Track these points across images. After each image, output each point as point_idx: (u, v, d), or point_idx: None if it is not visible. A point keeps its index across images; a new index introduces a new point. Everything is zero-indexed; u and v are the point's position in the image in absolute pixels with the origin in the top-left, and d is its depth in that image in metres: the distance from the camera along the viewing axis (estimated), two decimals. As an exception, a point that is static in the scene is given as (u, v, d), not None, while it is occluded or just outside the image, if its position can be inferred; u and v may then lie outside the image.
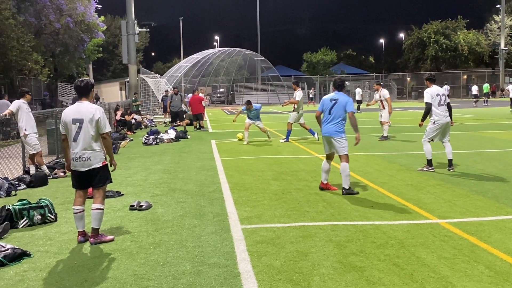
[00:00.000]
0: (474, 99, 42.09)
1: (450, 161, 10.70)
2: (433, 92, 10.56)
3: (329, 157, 9.06)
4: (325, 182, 8.97)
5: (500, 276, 4.81)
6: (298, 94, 16.61)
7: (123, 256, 5.66)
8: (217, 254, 5.59)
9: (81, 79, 6.55)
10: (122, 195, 8.90)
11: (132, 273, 5.13)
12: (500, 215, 7.01)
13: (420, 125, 11.20)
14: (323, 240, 6.01)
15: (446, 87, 45.97)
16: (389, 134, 17.05)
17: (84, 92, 6.33)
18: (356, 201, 8.01)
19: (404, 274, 4.90)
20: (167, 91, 31.88)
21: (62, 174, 11.13)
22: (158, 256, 5.61)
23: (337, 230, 6.40)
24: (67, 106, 7.09)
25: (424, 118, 10.87)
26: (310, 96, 53.89)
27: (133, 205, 7.87)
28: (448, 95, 10.19)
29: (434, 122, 10.58)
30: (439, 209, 7.34)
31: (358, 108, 35.51)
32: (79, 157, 6.17)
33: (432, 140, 10.76)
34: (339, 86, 8.93)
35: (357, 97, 37.13)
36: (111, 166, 6.49)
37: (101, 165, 6.25)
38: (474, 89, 42.74)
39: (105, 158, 6.36)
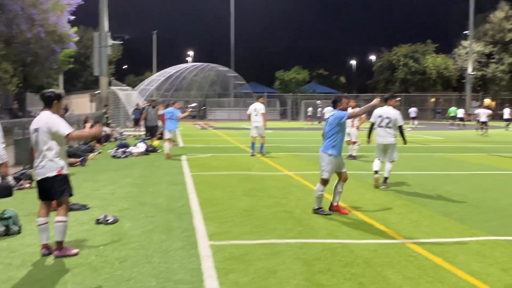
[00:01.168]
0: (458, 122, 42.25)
1: (385, 178, 11.11)
2: (376, 114, 11.18)
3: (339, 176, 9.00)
4: (335, 204, 8.72)
5: (464, 296, 4.88)
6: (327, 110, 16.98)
7: (88, 271, 5.57)
8: (184, 271, 5.55)
9: (48, 90, 6.52)
10: (89, 208, 8.76)
11: None
12: (465, 236, 7.13)
13: (367, 142, 11.82)
14: (291, 257, 6.02)
15: (414, 109, 46.81)
16: (359, 153, 17.21)
17: (47, 103, 6.30)
18: (325, 219, 8.05)
19: (370, 293, 4.93)
20: (138, 104, 31.65)
21: (28, 185, 10.92)
22: (123, 271, 5.54)
23: (305, 248, 6.42)
24: (36, 117, 7.06)
25: (368, 135, 11.74)
26: (309, 114, 53.94)
27: (100, 219, 7.76)
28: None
29: (357, 128, 13.04)
30: (406, 229, 7.43)
31: None
32: (36, 166, 6.20)
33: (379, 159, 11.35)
34: (334, 103, 9.07)
35: (327, 116, 37.56)
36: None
37: (55, 174, 6.11)
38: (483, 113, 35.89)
39: (61, 168, 6.19)
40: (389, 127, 10.89)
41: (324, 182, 8.64)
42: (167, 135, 17.63)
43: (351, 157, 16.80)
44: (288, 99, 66.62)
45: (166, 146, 17.25)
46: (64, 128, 6.11)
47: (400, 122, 11.04)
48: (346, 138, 16.69)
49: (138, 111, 29.28)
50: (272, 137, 29.42)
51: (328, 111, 16.81)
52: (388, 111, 10.98)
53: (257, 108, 17.84)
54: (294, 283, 5.17)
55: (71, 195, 6.38)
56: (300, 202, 9.42)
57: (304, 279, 5.29)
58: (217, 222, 7.77)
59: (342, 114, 8.56)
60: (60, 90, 6.36)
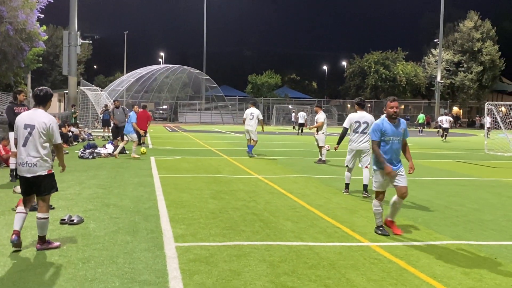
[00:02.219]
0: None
1: (364, 186, 10.86)
2: (353, 119, 10.90)
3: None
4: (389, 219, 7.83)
5: (425, 299, 4.95)
6: (321, 116, 16.90)
7: (50, 271, 5.47)
8: (148, 271, 5.49)
9: (40, 88, 6.66)
10: (53, 208, 8.61)
11: (58, 288, 4.96)
12: (428, 240, 7.23)
13: (335, 149, 11.56)
14: (256, 259, 6.02)
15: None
16: (327, 158, 17.34)
17: (41, 101, 6.47)
18: (292, 222, 8.08)
19: (333, 295, 4.96)
20: (106, 105, 31.32)
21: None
22: (86, 271, 5.46)
23: (271, 250, 6.43)
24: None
25: (339, 141, 11.33)
26: (301, 121, 53.77)
27: (64, 219, 7.64)
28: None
29: (323, 133, 12.23)
30: (371, 232, 7.50)
31: (302, 131, 36.79)
32: (25, 163, 6.26)
33: (351, 166, 11.12)
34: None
35: (301, 120, 37.96)
36: (61, 168, 6.80)
37: (46, 173, 6.33)
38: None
39: (52, 167, 6.45)
40: (365, 133, 10.66)
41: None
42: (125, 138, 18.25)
43: (321, 161, 16.91)
44: (260, 103, 66.78)
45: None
46: (59, 137, 6.44)
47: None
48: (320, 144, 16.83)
49: (107, 112, 28.96)
50: (242, 141, 29.44)
51: (302, 116, 16.88)
52: (364, 116, 10.77)
53: (253, 112, 17.81)
54: (259, 285, 5.17)
55: (56, 190, 6.63)
56: (268, 205, 9.43)
57: (269, 281, 5.29)
58: (184, 224, 7.72)
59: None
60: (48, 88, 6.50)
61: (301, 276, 5.47)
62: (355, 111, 11.13)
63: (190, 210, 8.81)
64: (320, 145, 16.95)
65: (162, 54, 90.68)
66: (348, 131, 11.13)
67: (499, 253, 6.64)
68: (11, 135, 11.64)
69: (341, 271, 5.67)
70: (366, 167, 10.82)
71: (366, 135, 10.55)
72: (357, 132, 10.68)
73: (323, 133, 16.80)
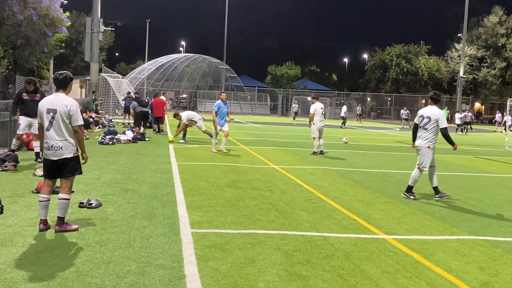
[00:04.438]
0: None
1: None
2: (418, 113, 10.61)
3: None
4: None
5: (439, 292, 4.94)
6: (311, 108, 16.86)
7: (68, 252, 5.57)
8: (164, 256, 5.56)
9: (60, 71, 6.75)
10: (73, 192, 8.70)
11: (75, 269, 5.05)
12: (445, 235, 7.20)
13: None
14: (271, 248, 6.05)
15: (405, 111, 47.02)
16: (325, 149, 17.15)
17: (61, 85, 6.57)
18: (308, 212, 8.09)
19: (347, 286, 4.98)
20: (129, 92, 31.53)
21: (13, 167, 10.86)
22: (103, 254, 5.54)
23: (286, 239, 6.45)
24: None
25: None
26: (358, 112, 54.09)
27: (83, 203, 7.75)
28: (406, 119, 10.51)
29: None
30: (387, 225, 7.49)
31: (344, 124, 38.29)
32: (51, 146, 6.39)
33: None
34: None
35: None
36: (82, 159, 6.71)
37: (72, 155, 6.46)
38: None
39: (77, 150, 6.56)
40: (426, 128, 9.81)
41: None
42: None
43: (313, 152, 16.75)
44: (278, 94, 66.67)
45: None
46: (80, 119, 6.51)
47: (443, 123, 9.71)
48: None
49: (129, 99, 29.18)
50: (260, 131, 29.50)
51: (313, 108, 16.67)
52: (427, 111, 9.97)
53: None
54: (272, 273, 5.20)
55: (81, 173, 6.75)
56: (284, 195, 9.46)
57: (283, 269, 5.32)
58: (200, 211, 7.78)
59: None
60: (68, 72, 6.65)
61: (315, 266, 5.49)
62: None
63: (207, 197, 8.87)
64: (312, 136, 16.85)
65: (183, 43, 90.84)
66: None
67: (516, 249, 6.59)
68: (22, 119, 11.98)
69: (356, 262, 5.68)
70: (418, 167, 9.94)
71: (426, 130, 9.78)
72: (420, 127, 10.07)
73: (314, 124, 16.66)
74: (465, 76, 64.96)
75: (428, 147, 9.75)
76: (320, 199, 9.30)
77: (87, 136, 19.05)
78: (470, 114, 36.70)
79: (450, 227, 7.63)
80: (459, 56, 67.44)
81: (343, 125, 38.31)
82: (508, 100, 26.76)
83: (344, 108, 41.44)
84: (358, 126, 43.08)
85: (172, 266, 5.26)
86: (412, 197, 9.77)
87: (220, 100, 16.46)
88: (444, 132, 9.69)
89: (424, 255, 6.12)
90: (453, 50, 71.91)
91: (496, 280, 5.36)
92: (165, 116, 25.61)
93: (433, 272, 5.51)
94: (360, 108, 56.35)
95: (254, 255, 5.73)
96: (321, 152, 16.72)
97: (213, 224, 7.05)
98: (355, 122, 50.88)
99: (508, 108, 26.72)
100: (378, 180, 11.92)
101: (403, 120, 46.37)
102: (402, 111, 48.90)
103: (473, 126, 42.39)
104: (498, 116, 39.02)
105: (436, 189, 9.93)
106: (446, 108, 46.87)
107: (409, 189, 9.94)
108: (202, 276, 5.02)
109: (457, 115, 39.14)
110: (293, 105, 52.27)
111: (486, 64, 69.39)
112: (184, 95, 69.12)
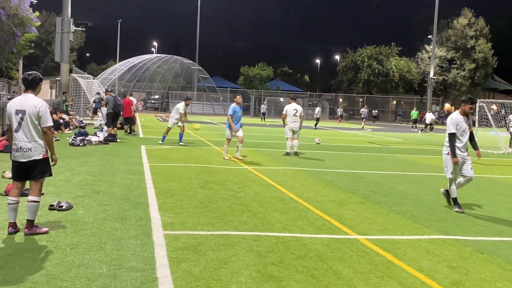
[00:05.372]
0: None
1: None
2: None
3: None
4: None
5: (411, 291, 4.99)
6: (284, 108, 16.94)
7: (37, 256, 5.46)
8: (136, 258, 5.50)
9: (29, 72, 6.64)
10: (43, 194, 8.55)
11: (46, 273, 4.96)
12: (416, 234, 7.28)
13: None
14: (244, 249, 6.03)
15: (369, 110, 47.71)
16: (299, 150, 17.25)
17: (30, 85, 6.47)
18: (280, 213, 8.10)
19: (320, 286, 4.99)
20: (99, 93, 31.19)
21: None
22: (74, 257, 5.45)
23: (259, 240, 6.44)
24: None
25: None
26: (262, 111, 53.85)
27: (53, 205, 7.62)
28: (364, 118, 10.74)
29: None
30: (359, 226, 7.54)
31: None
32: (20, 148, 6.28)
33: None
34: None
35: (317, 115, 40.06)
36: (52, 161, 6.57)
37: (41, 157, 6.34)
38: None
39: (46, 151, 6.43)
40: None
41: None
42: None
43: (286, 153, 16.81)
44: (251, 95, 66.72)
45: None
46: (49, 120, 6.39)
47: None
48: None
49: (99, 100, 28.89)
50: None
51: (285, 109, 16.72)
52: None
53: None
54: (245, 274, 5.19)
55: (50, 175, 6.61)
56: (257, 196, 9.45)
57: (256, 271, 5.31)
58: (173, 213, 7.73)
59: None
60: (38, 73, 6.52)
61: (288, 267, 5.49)
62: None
63: (179, 199, 8.81)
64: (286, 136, 16.90)
65: (155, 43, 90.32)
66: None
67: (485, 248, 6.70)
68: None
69: (328, 263, 5.70)
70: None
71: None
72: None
73: (286, 124, 16.72)
74: (435, 77, 65.91)
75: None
76: (293, 199, 9.32)
77: (57, 138, 18.76)
78: (431, 114, 37.78)
79: (421, 227, 7.72)
80: (429, 57, 68.42)
81: (315, 126, 38.52)
82: (478, 101, 27.24)
83: (318, 109, 41.78)
84: (332, 127, 43.37)
85: (144, 268, 5.21)
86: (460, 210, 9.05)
87: (235, 103, 15.47)
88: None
89: (396, 254, 6.18)
90: (424, 51, 72.92)
91: (466, 279, 5.44)
92: (135, 116, 25.42)
93: (404, 272, 5.56)
94: (341, 109, 56.82)
95: (227, 257, 5.71)
96: (295, 153, 16.75)
97: (185, 226, 7.00)
98: (335, 123, 51.21)
99: (477, 109, 27.19)
100: (350, 180, 12.01)
101: (362, 119, 46.75)
102: (362, 109, 49.33)
103: (438, 127, 43.32)
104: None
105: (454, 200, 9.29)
106: (415, 109, 47.47)
107: (455, 201, 9.22)
108: (175, 278, 4.97)
109: (428, 115, 40.14)
110: (262, 106, 52.77)
111: (456, 66, 70.59)
112: (156, 96, 68.67)
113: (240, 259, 5.64)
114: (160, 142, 19.03)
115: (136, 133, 23.58)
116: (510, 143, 22.92)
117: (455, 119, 9.14)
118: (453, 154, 9.07)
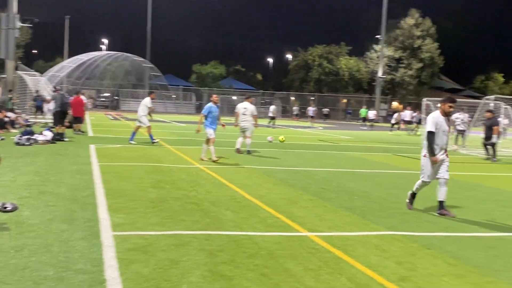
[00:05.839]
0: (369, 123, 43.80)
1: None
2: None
3: None
4: None
5: None
6: (236, 107, 17.08)
7: (-21, 260, 5.27)
8: (84, 260, 5.38)
9: None
10: (-14, 195, 8.31)
11: (-12, 277, 4.79)
12: (365, 230, 7.40)
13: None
14: (195, 248, 5.99)
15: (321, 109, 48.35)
16: (252, 148, 17.32)
17: None
18: (232, 212, 8.09)
19: (270, 284, 5.01)
20: (37, 91, 30.69)
21: None
22: (19, 260, 5.29)
23: (210, 240, 6.41)
24: None
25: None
26: (295, 113, 53.30)
27: (-3, 207, 7.38)
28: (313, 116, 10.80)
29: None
30: (310, 223, 7.61)
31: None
32: None
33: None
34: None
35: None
36: None
37: None
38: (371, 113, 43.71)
39: None
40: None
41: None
42: None
43: (242, 151, 16.82)
44: (204, 93, 66.42)
45: None
46: None
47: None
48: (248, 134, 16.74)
49: (40, 98, 28.47)
50: (185, 131, 29.30)
51: (242, 107, 16.73)
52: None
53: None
54: (196, 274, 5.15)
55: None
56: (209, 195, 9.42)
57: (207, 270, 5.28)
58: (123, 213, 7.60)
59: None
60: None
61: (239, 265, 5.49)
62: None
63: (130, 199, 8.68)
64: (248, 135, 16.91)
65: (105, 40, 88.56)
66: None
67: (432, 243, 6.87)
68: None
69: (279, 261, 5.73)
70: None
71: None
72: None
73: (238, 123, 16.75)
74: (383, 77, 67.34)
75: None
76: (245, 198, 9.33)
77: (3, 137, 18.20)
78: (416, 114, 38.37)
79: (370, 223, 7.86)
80: (378, 57, 69.74)
81: (271, 124, 38.48)
82: (424, 99, 27.95)
83: (273, 107, 41.72)
84: (287, 125, 43.65)
85: (92, 270, 5.10)
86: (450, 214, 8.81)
87: (211, 102, 14.85)
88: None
89: (345, 251, 6.26)
90: (372, 51, 74.23)
91: (414, 274, 5.56)
92: (84, 115, 24.94)
93: (353, 268, 5.64)
94: (298, 108, 57.12)
95: (178, 257, 5.65)
96: (248, 152, 16.75)
97: (135, 226, 6.90)
98: (292, 122, 51.50)
99: (424, 107, 27.90)
100: (302, 178, 12.11)
101: (310, 118, 47.31)
102: (310, 108, 49.87)
103: (386, 124, 44.26)
104: (402, 114, 40.71)
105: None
106: (364, 107, 48.35)
107: (440, 204, 8.89)
108: (124, 279, 4.89)
109: (370, 112, 41.86)
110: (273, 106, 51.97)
111: (403, 65, 72.13)
112: (106, 94, 67.47)
113: (191, 259, 5.60)
114: (154, 141, 18.77)
115: (85, 132, 23.10)
116: (455, 140, 23.59)
117: (436, 118, 8.73)
118: (432, 153, 8.66)
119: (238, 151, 16.65)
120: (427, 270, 5.73)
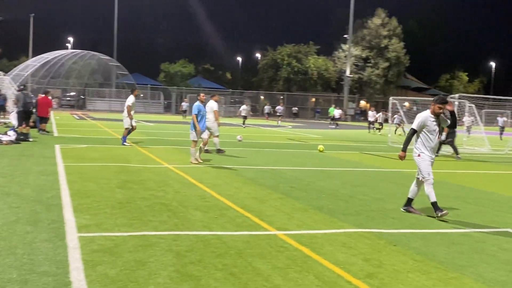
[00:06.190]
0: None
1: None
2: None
3: None
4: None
5: (328, 285, 5.09)
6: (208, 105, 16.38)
7: None
8: (49, 262, 5.28)
9: None
10: None
11: None
12: (332, 228, 7.45)
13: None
14: (163, 249, 5.94)
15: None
16: (244, 148, 17.39)
17: None
18: (201, 212, 8.05)
19: (239, 283, 4.99)
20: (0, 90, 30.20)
21: None
22: (-20, 264, 5.16)
23: (178, 240, 6.37)
24: None
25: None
26: (183, 108, 52.57)
27: (-42, 209, 7.19)
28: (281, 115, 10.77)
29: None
30: (278, 221, 7.63)
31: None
32: None
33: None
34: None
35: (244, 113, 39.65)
36: None
37: None
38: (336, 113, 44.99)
39: None
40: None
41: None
42: None
43: (219, 151, 16.75)
44: (172, 92, 66.02)
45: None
46: None
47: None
48: (215, 134, 16.62)
49: (2, 97, 28.04)
50: (153, 130, 29.09)
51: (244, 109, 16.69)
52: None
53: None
54: (164, 275, 5.10)
55: None
56: (178, 195, 9.35)
57: (175, 271, 5.24)
58: (89, 214, 7.49)
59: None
60: None
61: (207, 265, 5.46)
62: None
63: (96, 200, 8.55)
64: (215, 134, 16.78)
65: (70, 39, 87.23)
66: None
67: (398, 240, 6.96)
68: None
69: (248, 260, 5.72)
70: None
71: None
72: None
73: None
74: (351, 76, 68.05)
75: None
76: (214, 197, 9.30)
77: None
78: (380, 114, 38.92)
79: (338, 221, 7.92)
80: (345, 56, 70.44)
81: (243, 124, 38.31)
82: (390, 98, 28.32)
83: (243, 106, 41.33)
84: (258, 124, 43.68)
85: (57, 272, 5.01)
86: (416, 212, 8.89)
87: (199, 101, 14.51)
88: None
89: (313, 249, 6.29)
90: (340, 50, 74.94)
91: (380, 271, 5.62)
92: (50, 116, 24.49)
93: (321, 266, 5.67)
94: (269, 107, 57.19)
95: (145, 258, 5.59)
96: (217, 151, 16.70)
97: (102, 227, 6.80)
98: (263, 121, 51.53)
99: (390, 106, 28.26)
100: (271, 177, 12.13)
101: (279, 117, 47.60)
102: (278, 107, 50.17)
103: (354, 123, 44.75)
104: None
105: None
106: (333, 106, 48.77)
107: (434, 206, 8.61)
108: (89, 281, 4.81)
109: (336, 111, 42.43)
110: (183, 103, 51.80)
111: (371, 64, 73.07)
112: (72, 93, 66.48)
113: (159, 260, 5.55)
114: (124, 144, 18.22)
115: (50, 132, 22.69)
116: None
117: (424, 117, 8.61)
118: (403, 149, 8.77)
119: (207, 151, 16.56)
120: (394, 266, 5.80)
